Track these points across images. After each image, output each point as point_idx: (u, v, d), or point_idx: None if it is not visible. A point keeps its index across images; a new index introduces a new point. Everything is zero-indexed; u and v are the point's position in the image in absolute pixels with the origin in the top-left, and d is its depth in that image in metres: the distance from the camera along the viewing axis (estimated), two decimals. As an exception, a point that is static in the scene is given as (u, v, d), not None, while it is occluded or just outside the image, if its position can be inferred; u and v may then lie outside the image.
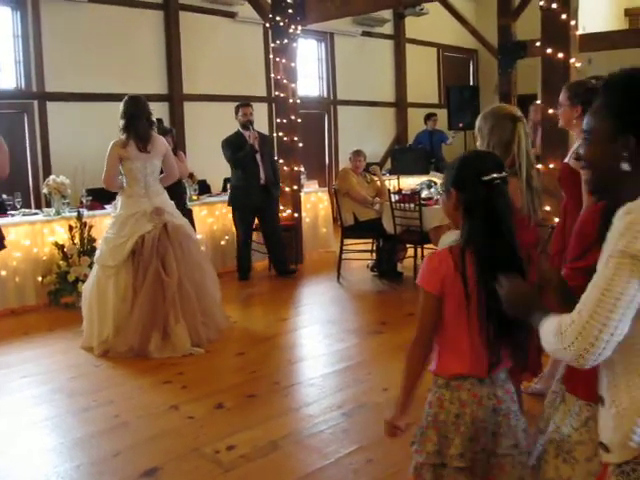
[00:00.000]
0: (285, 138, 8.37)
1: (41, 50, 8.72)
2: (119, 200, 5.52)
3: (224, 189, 9.03)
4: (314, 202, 9.41)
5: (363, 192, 7.67)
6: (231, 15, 10.73)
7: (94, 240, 6.72)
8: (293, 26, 8.34)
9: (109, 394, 4.44)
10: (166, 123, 9.25)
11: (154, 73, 9.89)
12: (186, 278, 5.33)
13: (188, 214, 6.91)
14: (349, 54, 12.83)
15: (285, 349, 5.44)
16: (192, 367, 4.94)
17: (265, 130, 11.13)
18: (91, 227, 6.83)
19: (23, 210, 7.02)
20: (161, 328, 5.19)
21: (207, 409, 4.15)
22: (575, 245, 2.12)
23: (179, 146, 8.72)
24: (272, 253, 8.03)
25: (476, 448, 2.10)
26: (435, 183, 8.30)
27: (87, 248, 6.71)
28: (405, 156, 11.92)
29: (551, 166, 5.71)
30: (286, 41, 8.39)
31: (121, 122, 5.35)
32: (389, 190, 7.55)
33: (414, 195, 7.16)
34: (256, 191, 7.61)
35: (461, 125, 12.08)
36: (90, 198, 7.24)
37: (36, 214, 7.05)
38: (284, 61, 8.45)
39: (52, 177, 7.05)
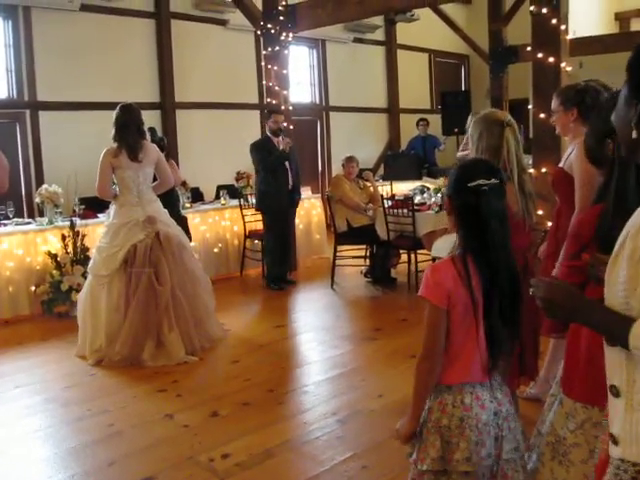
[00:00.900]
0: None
1: (33, 59, 8.71)
2: (112, 209, 5.52)
3: (217, 197, 9.03)
4: (307, 209, 9.41)
5: (356, 198, 7.68)
6: (222, 23, 10.74)
7: (87, 249, 6.70)
8: (284, 33, 8.35)
9: (103, 403, 4.43)
10: (158, 131, 9.25)
11: (146, 81, 9.89)
12: (179, 286, 5.32)
13: (182, 221, 6.90)
14: (341, 60, 12.85)
15: (279, 356, 5.43)
16: (186, 375, 4.93)
17: (257, 137, 11.14)
18: (84, 236, 6.81)
19: (16, 219, 7.01)
20: (155, 337, 5.18)
21: (202, 417, 4.14)
22: (571, 245, 2.13)
23: (171, 154, 8.72)
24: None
25: (482, 452, 2.09)
26: (428, 188, 8.31)
27: (80, 257, 6.69)
28: (398, 162, 11.96)
29: (543, 170, 5.73)
30: (278, 48, 8.40)
31: (112, 131, 5.35)
32: (382, 196, 7.56)
33: (407, 201, 7.17)
34: (284, 196, 7.64)
35: (456, 130, 12.10)
36: (83, 207, 7.23)
37: (29, 223, 7.03)
38: (276, 68, 8.46)
39: (45, 186, 7.04)
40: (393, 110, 13.83)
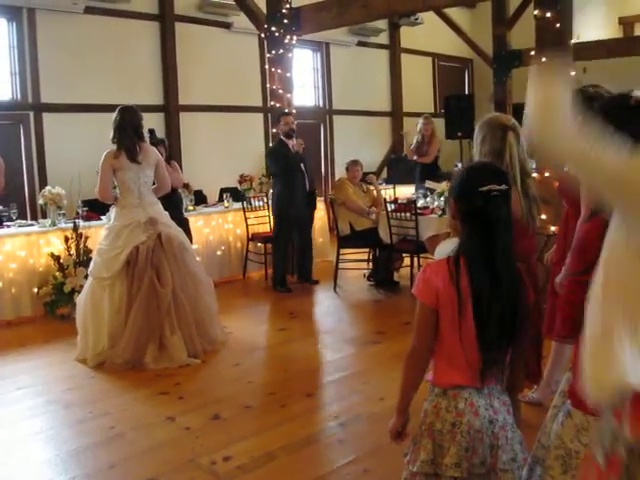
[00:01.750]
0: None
1: (37, 61, 8.74)
2: (113, 211, 5.52)
3: (220, 199, 9.04)
4: (310, 212, 9.40)
5: (359, 202, 7.68)
6: (226, 26, 10.76)
7: (90, 251, 6.70)
8: (288, 36, 8.37)
9: (105, 405, 4.42)
10: (162, 134, 9.27)
11: (150, 84, 9.91)
12: (181, 288, 5.32)
13: (185, 224, 6.90)
14: (345, 64, 12.86)
15: (281, 359, 5.42)
16: (188, 378, 4.93)
17: (261, 140, 11.19)
18: (87, 238, 6.81)
19: (19, 221, 7.02)
20: (157, 339, 5.18)
21: (203, 420, 4.14)
22: (577, 259, 2.10)
23: (174, 156, 8.75)
24: (300, 261, 8.03)
25: (473, 460, 2.07)
26: (431, 192, 8.30)
27: (83, 259, 6.69)
28: (401, 165, 11.94)
29: (547, 174, 5.73)
30: (281, 51, 8.42)
31: (111, 133, 5.35)
32: (385, 199, 7.56)
33: (410, 204, 7.16)
34: (301, 200, 7.62)
35: (460, 134, 12.09)
36: (86, 209, 7.24)
37: (32, 225, 7.04)
38: (280, 71, 8.47)
39: (48, 188, 7.04)
40: (396, 114, 13.84)
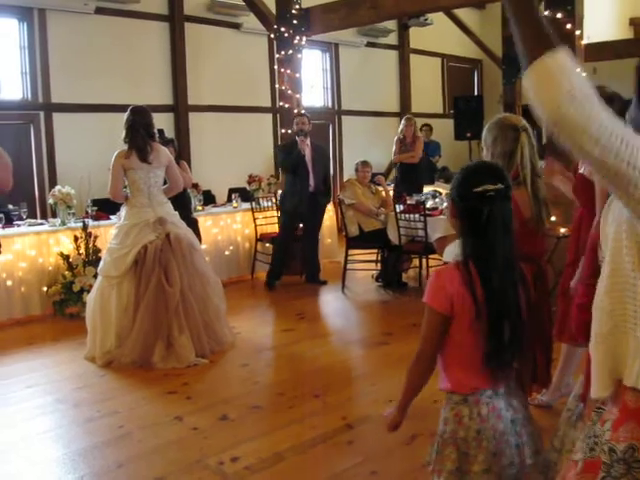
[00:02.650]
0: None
1: (47, 61, 8.76)
2: (123, 210, 5.53)
3: (229, 199, 9.05)
4: (319, 212, 9.40)
5: (368, 203, 7.67)
6: (236, 26, 10.76)
7: (99, 250, 6.72)
8: (298, 37, 8.36)
9: (113, 404, 4.43)
10: (171, 134, 9.29)
11: (159, 84, 9.93)
12: (189, 288, 5.33)
13: (194, 224, 6.91)
14: (354, 64, 12.85)
15: (289, 360, 5.42)
16: (196, 378, 4.93)
17: (270, 140, 11.19)
18: (96, 237, 6.84)
19: (29, 220, 7.05)
20: (165, 338, 5.18)
21: (211, 420, 4.14)
22: (590, 262, 2.08)
23: (183, 156, 8.76)
24: (306, 261, 8.06)
25: (502, 462, 2.07)
26: (440, 193, 8.29)
27: (92, 258, 6.71)
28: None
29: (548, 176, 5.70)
30: (291, 52, 8.41)
31: (123, 133, 5.37)
32: (393, 200, 7.55)
33: (419, 205, 7.15)
34: (305, 198, 7.70)
35: (469, 135, 12.07)
36: (95, 208, 7.26)
37: (42, 224, 7.07)
38: (289, 72, 8.47)
39: (58, 187, 7.07)
40: (405, 114, 13.79)
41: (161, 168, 5.46)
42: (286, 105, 8.58)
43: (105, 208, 7.22)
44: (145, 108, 5.49)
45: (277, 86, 8.93)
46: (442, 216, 7.12)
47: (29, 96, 8.77)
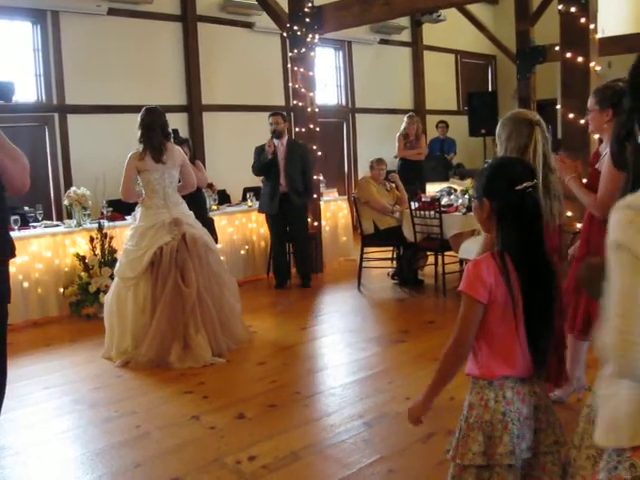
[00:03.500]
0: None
1: (61, 63, 8.81)
2: (138, 211, 5.55)
3: (244, 199, 9.06)
4: (334, 211, 9.41)
5: (383, 200, 7.65)
6: (249, 25, 10.77)
7: (115, 251, 6.75)
8: (310, 35, 8.35)
9: (131, 405, 4.44)
10: (185, 134, 9.31)
11: (173, 84, 9.96)
12: (205, 288, 5.33)
13: (209, 224, 6.93)
14: (367, 62, 12.83)
15: (306, 358, 5.42)
16: (213, 377, 4.94)
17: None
18: (112, 238, 6.86)
19: (45, 222, 7.09)
20: (181, 338, 5.19)
21: (228, 419, 4.14)
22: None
23: (198, 156, 8.77)
24: (296, 263, 8.05)
25: (522, 446, 2.11)
26: (455, 190, 8.26)
27: (108, 259, 6.74)
28: (424, 163, 11.89)
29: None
30: (304, 50, 8.40)
31: (138, 134, 5.38)
32: (409, 197, 7.53)
33: (434, 202, 7.12)
34: (276, 199, 7.66)
35: (484, 131, 12.02)
36: (111, 209, 7.29)
37: (57, 226, 7.11)
38: (302, 70, 8.46)
39: (73, 189, 7.10)
40: (419, 111, 13.76)
41: (175, 168, 5.47)
42: (300, 104, 8.57)
43: (120, 209, 7.25)
44: (159, 108, 5.51)
45: (290, 85, 8.93)
46: (457, 213, 7.10)
47: (43, 98, 8.83)
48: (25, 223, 6.97)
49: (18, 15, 8.56)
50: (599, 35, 6.09)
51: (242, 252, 8.28)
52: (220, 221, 7.95)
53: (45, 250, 6.64)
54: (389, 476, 3.38)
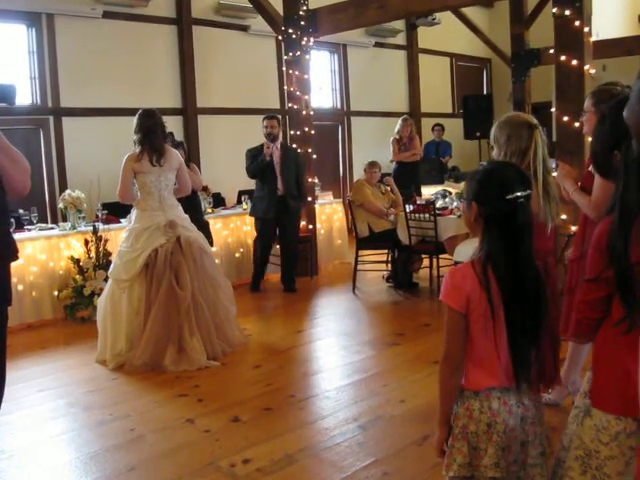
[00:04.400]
0: (299, 150, 8.35)
1: (56, 66, 8.81)
2: (133, 213, 5.54)
3: (239, 202, 9.05)
4: (329, 213, 9.41)
5: (378, 203, 7.65)
6: (244, 28, 10.78)
7: (110, 254, 6.74)
8: (305, 38, 8.36)
9: (125, 408, 4.44)
10: (180, 137, 9.32)
11: (168, 87, 9.96)
12: (199, 291, 5.33)
13: (205, 226, 6.92)
14: (362, 65, 12.85)
15: (301, 361, 5.42)
16: (208, 380, 4.93)
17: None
18: (107, 241, 6.85)
19: (39, 225, 7.06)
20: (176, 341, 5.18)
21: (223, 422, 4.14)
22: (594, 261, 2.04)
23: (192, 159, 8.77)
24: (283, 266, 8.01)
25: (509, 458, 2.08)
26: (450, 192, 8.27)
27: (103, 262, 6.73)
28: (420, 166, 11.91)
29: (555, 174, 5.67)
30: (299, 53, 8.41)
31: (136, 136, 5.35)
32: (404, 200, 7.53)
33: (429, 205, 7.13)
34: (273, 202, 7.61)
35: (479, 134, 12.05)
36: (105, 212, 7.27)
37: (52, 228, 7.09)
38: (297, 73, 8.47)
39: (68, 192, 7.09)
40: (414, 114, 13.79)
41: (172, 171, 5.46)
42: (295, 106, 8.58)
43: (115, 211, 7.24)
44: (156, 111, 5.50)
45: (286, 88, 8.93)
46: (452, 216, 7.10)
47: (38, 101, 8.82)
48: (20, 226, 6.94)
49: (13, 18, 8.55)
50: (593, 38, 6.10)
51: (237, 255, 8.27)
52: (215, 224, 7.94)
53: (40, 253, 6.63)
54: (384, 479, 3.38)
